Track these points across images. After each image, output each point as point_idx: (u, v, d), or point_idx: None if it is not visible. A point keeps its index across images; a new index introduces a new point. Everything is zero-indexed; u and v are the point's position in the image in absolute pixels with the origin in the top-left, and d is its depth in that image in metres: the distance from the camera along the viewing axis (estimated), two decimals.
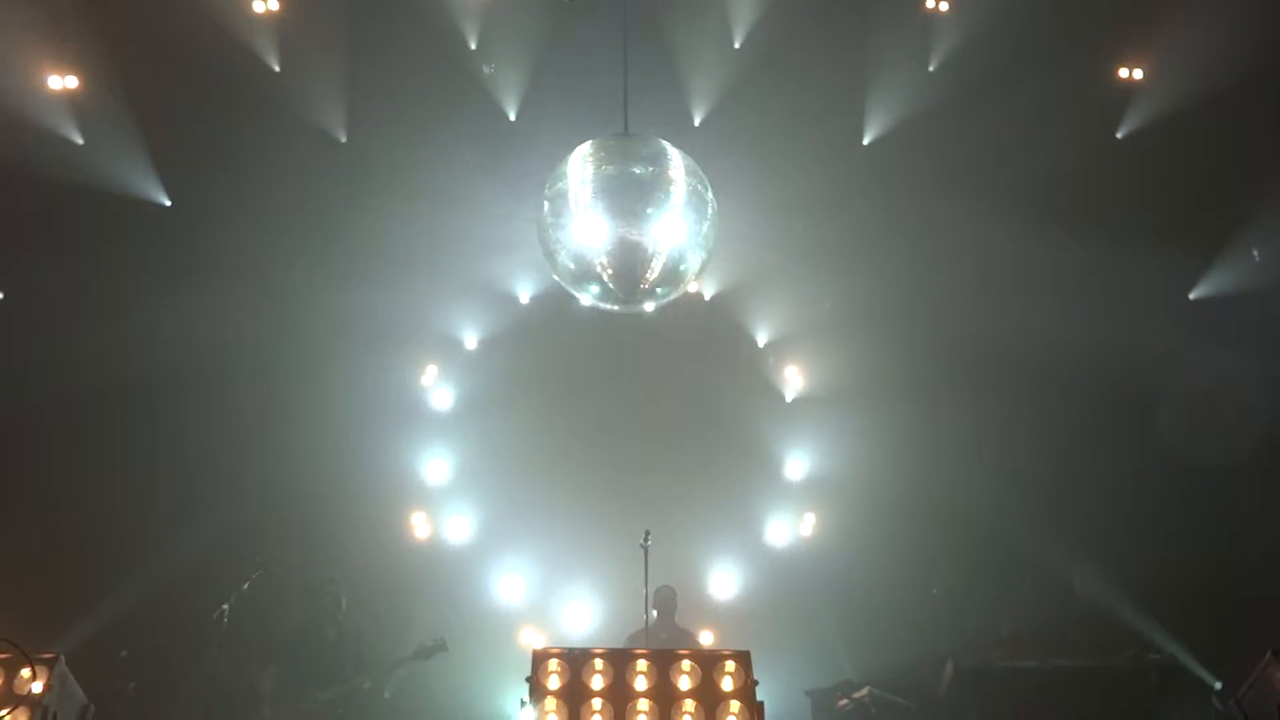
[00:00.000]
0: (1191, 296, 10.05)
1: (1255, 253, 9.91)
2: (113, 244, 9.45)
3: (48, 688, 4.65)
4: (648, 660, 4.76)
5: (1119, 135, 9.93)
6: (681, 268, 7.04)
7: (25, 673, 4.55)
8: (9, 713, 4.43)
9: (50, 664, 4.73)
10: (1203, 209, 9.82)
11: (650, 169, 6.84)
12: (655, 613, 8.58)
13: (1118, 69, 9.92)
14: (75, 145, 9.33)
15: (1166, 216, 9.70)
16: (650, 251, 6.84)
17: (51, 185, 9.17)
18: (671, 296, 7.28)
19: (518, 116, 9.92)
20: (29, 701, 4.54)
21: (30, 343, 9.12)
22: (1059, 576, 8.89)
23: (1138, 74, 9.90)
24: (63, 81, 9.25)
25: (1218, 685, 8.23)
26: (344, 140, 9.89)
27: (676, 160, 6.97)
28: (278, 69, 9.45)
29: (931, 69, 9.76)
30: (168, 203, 9.69)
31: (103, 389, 9.06)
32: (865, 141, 10.02)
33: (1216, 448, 9.14)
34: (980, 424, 9.53)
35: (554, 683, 4.69)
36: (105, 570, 8.66)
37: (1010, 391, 9.65)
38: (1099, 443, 9.56)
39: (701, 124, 9.85)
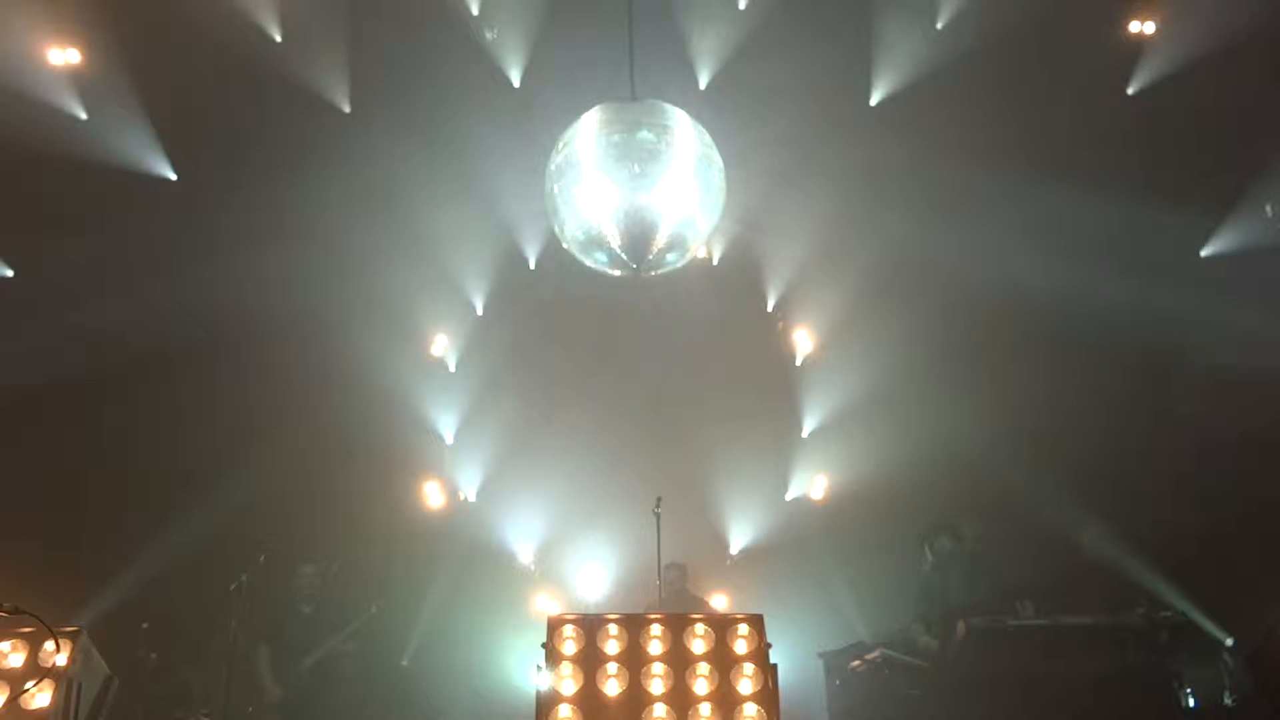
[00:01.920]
0: (1203, 254, 9.97)
1: (1268, 209, 9.81)
2: (119, 218, 9.44)
3: (71, 660, 4.70)
4: (662, 625, 4.79)
5: (1130, 91, 9.79)
6: (690, 233, 7.01)
7: (49, 646, 4.59)
8: (35, 684, 4.49)
9: (73, 637, 4.78)
10: (1216, 165, 9.70)
11: (657, 134, 6.79)
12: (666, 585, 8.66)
13: (1128, 23, 9.76)
14: (78, 120, 9.28)
15: (1178, 173, 9.59)
16: (658, 218, 6.81)
17: (55, 161, 9.13)
18: (680, 262, 7.26)
19: (522, 83, 9.83)
20: (54, 674, 4.59)
21: (37, 319, 9.13)
22: (1070, 535, 8.91)
23: (1149, 28, 9.72)
24: (64, 55, 9.19)
25: (1229, 641, 8.27)
26: (347, 110, 9.82)
27: (683, 125, 6.91)
28: (279, 39, 9.36)
29: (939, 26, 9.61)
30: (173, 176, 9.67)
31: (114, 364, 9.09)
32: (872, 102, 9.91)
33: (1228, 405, 9.12)
34: (991, 383, 9.53)
35: (569, 648, 4.72)
36: (126, 544, 8.75)
37: (1021, 351, 9.63)
38: (1110, 401, 9.55)
39: (707, 87, 9.74)
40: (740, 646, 4.75)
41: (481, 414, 10.20)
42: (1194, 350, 9.32)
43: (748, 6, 9.57)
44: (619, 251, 6.89)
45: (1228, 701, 7.80)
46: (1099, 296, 9.29)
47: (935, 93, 9.59)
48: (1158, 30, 9.66)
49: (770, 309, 10.61)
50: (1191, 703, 7.65)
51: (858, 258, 9.99)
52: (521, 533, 9.97)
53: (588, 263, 7.23)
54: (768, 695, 4.62)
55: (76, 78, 9.24)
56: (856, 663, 8.12)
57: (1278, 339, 8.90)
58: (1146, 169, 9.63)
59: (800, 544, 9.77)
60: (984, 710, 7.16)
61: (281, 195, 9.57)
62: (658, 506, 7.64)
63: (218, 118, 9.53)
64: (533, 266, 10.37)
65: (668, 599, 8.52)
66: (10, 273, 9.56)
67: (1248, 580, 8.25)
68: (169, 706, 7.89)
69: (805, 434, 10.34)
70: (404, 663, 9.05)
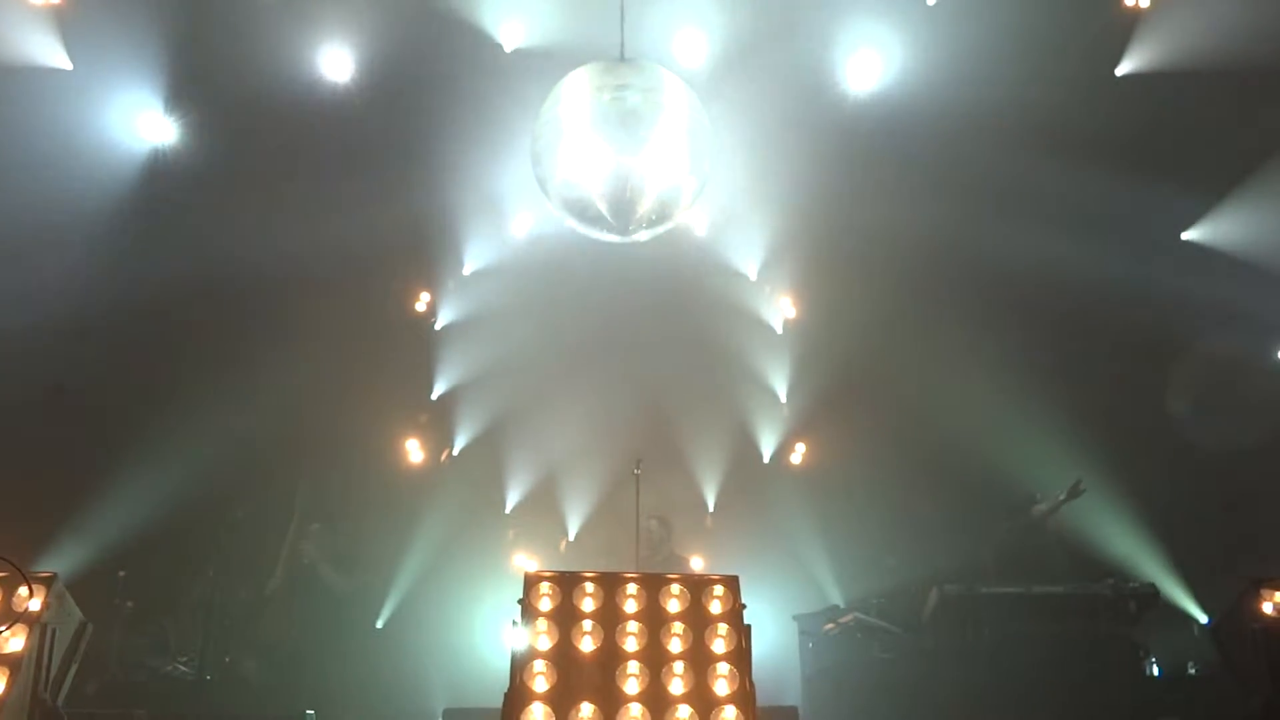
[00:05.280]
0: (1184, 237, 10.02)
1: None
2: (105, 174, 9.34)
3: (45, 606, 4.69)
4: (638, 584, 4.81)
5: (1118, 73, 9.72)
6: (676, 197, 6.99)
7: (23, 591, 4.59)
8: (8, 628, 4.49)
9: (48, 583, 4.77)
10: (1203, 151, 9.68)
11: (646, 96, 6.74)
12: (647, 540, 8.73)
13: None
14: (62, 71, 9.08)
15: (1165, 157, 9.59)
16: (645, 181, 6.78)
17: (39, 113, 8.95)
18: (666, 226, 7.25)
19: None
20: (27, 619, 4.58)
21: (25, 262, 9.03)
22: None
23: (1144, 1, 9.58)
24: None
25: (1204, 620, 8.44)
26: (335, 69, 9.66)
27: (672, 86, 6.86)
28: None
29: (930, 2, 9.53)
30: (162, 132, 9.54)
31: (95, 313, 9.05)
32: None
33: (1213, 381, 9.24)
34: (969, 356, 9.58)
35: (545, 605, 4.73)
36: (104, 492, 8.74)
37: (1000, 324, 9.69)
38: (1092, 373, 9.63)
39: (699, 53, 9.64)
40: (715, 607, 4.77)
41: (465, 372, 10.22)
42: (1178, 327, 9.40)
43: None
44: (605, 215, 6.87)
45: (1191, 671, 7.97)
46: (1077, 272, 9.33)
47: (925, 64, 9.53)
48: (1153, 4, 9.52)
49: (754, 277, 10.62)
50: (1156, 671, 7.82)
51: (844, 226, 9.99)
52: (502, 491, 10.03)
53: (574, 226, 7.21)
54: (740, 655, 4.65)
55: (61, 21, 8.98)
56: (830, 626, 8.24)
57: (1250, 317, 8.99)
58: (1135, 148, 9.62)
59: (778, 508, 9.88)
60: (952, 673, 7.30)
61: (269, 153, 9.47)
62: (638, 468, 7.69)
63: (209, 76, 9.37)
64: (519, 228, 10.32)
65: (650, 553, 8.60)
66: None
67: (1224, 555, 8.40)
68: (145, 655, 7.91)
69: (784, 400, 10.41)
70: (379, 625, 9.07)
